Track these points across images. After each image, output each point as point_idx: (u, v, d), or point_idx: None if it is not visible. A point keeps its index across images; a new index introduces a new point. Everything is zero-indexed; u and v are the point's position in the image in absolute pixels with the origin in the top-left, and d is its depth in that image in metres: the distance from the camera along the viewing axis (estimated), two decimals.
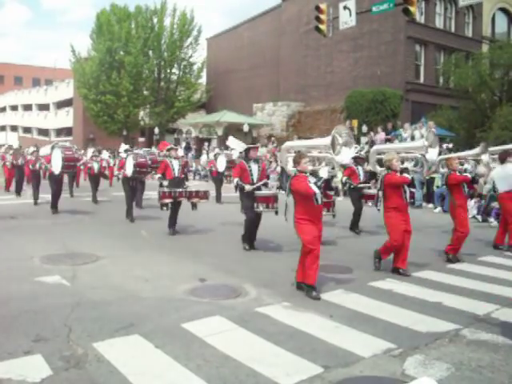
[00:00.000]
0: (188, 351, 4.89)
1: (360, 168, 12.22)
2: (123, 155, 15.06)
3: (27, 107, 67.18)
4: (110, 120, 41.74)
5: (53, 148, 13.82)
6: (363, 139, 25.57)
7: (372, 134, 25.06)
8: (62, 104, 58.77)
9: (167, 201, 10.86)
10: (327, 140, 7.36)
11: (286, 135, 36.60)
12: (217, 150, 25.01)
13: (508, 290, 7.23)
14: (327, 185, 7.84)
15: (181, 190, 11.22)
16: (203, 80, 46.93)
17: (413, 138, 21.63)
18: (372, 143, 22.47)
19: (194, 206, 11.51)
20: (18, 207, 15.66)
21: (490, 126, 25.45)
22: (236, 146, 12.43)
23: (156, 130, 41.01)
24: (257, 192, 9.73)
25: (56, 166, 13.39)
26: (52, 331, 5.31)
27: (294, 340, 5.22)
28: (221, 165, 17.95)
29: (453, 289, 7.23)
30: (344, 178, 12.18)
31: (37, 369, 4.42)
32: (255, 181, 9.82)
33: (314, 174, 7.11)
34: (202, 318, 5.82)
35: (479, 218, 15.04)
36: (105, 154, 22.08)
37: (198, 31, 43.12)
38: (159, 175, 11.60)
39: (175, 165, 11.59)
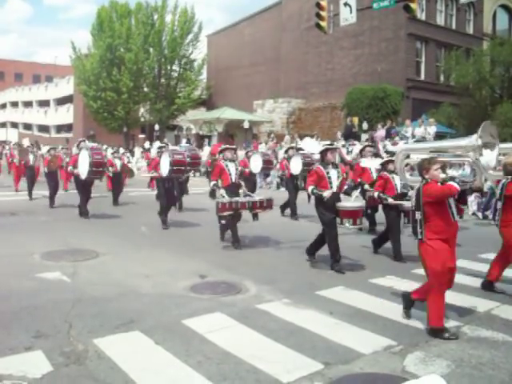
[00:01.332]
0: (188, 347, 4.89)
1: (395, 176, 9.05)
2: (153, 152, 14.12)
3: (27, 104, 67.13)
4: (110, 117, 41.70)
5: (80, 148, 12.63)
6: (363, 136, 25.54)
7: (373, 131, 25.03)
8: (62, 101, 58.71)
9: (227, 213, 9.35)
10: (472, 140, 5.73)
11: (286, 132, 36.59)
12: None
13: (508, 287, 7.22)
14: (462, 196, 6.08)
15: (243, 199, 9.58)
16: (204, 77, 46.89)
17: (414, 136, 21.62)
18: (372, 140, 22.44)
19: (255, 216, 10.23)
20: (19, 203, 15.65)
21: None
22: (311, 147, 11.19)
23: (156, 127, 40.96)
24: (340, 205, 8.18)
25: (83, 170, 12.13)
26: (52, 327, 5.31)
27: (295, 337, 5.22)
28: (256, 166, 14.86)
29: (453, 286, 7.22)
30: (376, 193, 9.28)
31: (37, 365, 4.43)
32: (335, 190, 8.19)
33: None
34: (203, 314, 5.83)
35: (479, 215, 15.03)
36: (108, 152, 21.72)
37: (199, 28, 43.06)
38: (214, 182, 10.07)
39: (231, 168, 9.88)
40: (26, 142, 20.27)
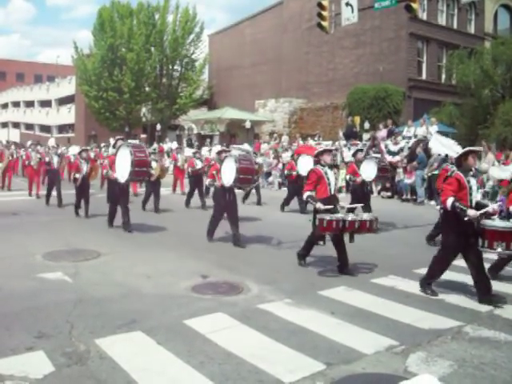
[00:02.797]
0: (190, 348, 4.89)
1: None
2: (206, 155, 12.08)
3: (29, 104, 67.21)
4: (111, 116, 41.70)
5: (119, 147, 10.87)
6: (365, 136, 25.50)
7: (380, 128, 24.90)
8: (63, 101, 58.77)
9: (330, 233, 7.64)
10: None
11: (288, 132, 36.58)
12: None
13: (511, 287, 7.21)
14: None
15: (351, 217, 7.58)
16: (205, 76, 46.86)
17: (416, 136, 21.58)
18: (374, 140, 22.39)
19: (352, 238, 7.82)
20: (20, 204, 15.66)
21: (492, 122, 25.40)
22: (444, 148, 9.36)
23: (158, 127, 40.95)
24: (489, 223, 6.66)
25: (121, 172, 10.45)
26: (54, 328, 5.31)
27: (296, 337, 5.22)
28: (303, 168, 13.19)
29: (455, 286, 7.22)
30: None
31: (39, 365, 4.43)
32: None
33: None
34: (204, 314, 5.82)
35: None
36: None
37: (201, 28, 43.03)
38: (308, 193, 7.84)
39: (331, 177, 7.95)
40: (51, 143, 19.02)
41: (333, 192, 7.91)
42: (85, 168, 13.04)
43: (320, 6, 18.25)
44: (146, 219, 12.72)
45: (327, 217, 7.38)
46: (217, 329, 5.40)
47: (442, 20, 34.34)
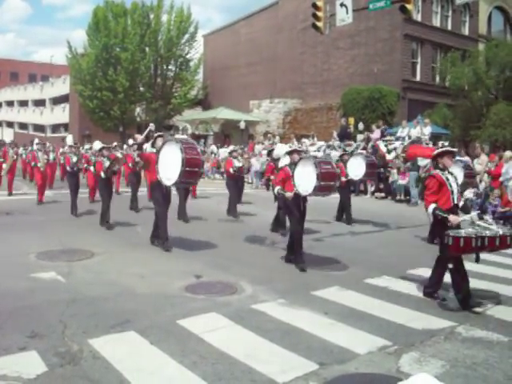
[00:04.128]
0: (184, 348, 4.89)
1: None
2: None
3: (23, 103, 66.98)
4: (106, 116, 41.60)
5: (164, 143, 9.15)
6: (359, 137, 25.55)
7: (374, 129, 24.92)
8: (58, 100, 58.61)
9: (466, 253, 6.40)
10: None
11: (282, 132, 36.61)
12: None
13: (503, 288, 7.25)
14: None
15: (490, 232, 6.32)
16: (200, 77, 46.82)
17: (410, 137, 21.64)
18: (368, 141, 22.46)
19: (478, 258, 6.53)
20: (14, 203, 15.59)
21: (484, 124, 25.52)
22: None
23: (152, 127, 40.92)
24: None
25: (169, 174, 8.80)
26: (47, 327, 5.30)
27: (290, 337, 5.23)
28: (354, 172, 12.55)
29: (448, 286, 7.24)
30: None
31: (32, 365, 4.42)
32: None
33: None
34: (198, 314, 5.82)
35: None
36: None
37: (195, 28, 43.01)
38: (434, 205, 6.47)
39: (453, 184, 6.68)
40: (69, 141, 16.62)
41: (456, 201, 6.65)
42: (106, 165, 11.76)
43: (315, 6, 18.27)
44: (140, 219, 12.70)
45: (462, 233, 6.11)
46: (210, 329, 5.40)
47: (436, 21, 34.45)
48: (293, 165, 8.51)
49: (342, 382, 4.35)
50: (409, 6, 16.28)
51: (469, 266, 8.58)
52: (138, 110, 44.25)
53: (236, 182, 14.05)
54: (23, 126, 64.68)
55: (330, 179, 8.40)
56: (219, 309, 6.02)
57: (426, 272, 8.11)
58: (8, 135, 59.89)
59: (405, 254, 9.37)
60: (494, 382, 4.40)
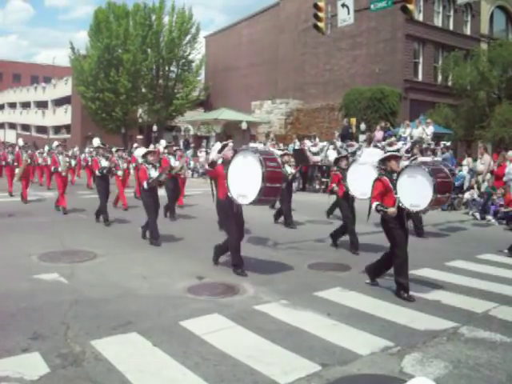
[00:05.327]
0: (186, 349, 4.88)
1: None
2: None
3: (25, 105, 67.20)
4: (108, 117, 41.68)
5: (236, 153, 7.80)
6: (361, 137, 25.54)
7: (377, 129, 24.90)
8: (60, 101, 58.76)
9: None
10: None
11: (284, 133, 36.60)
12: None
13: (506, 288, 7.24)
14: None
15: None
16: (201, 78, 46.90)
17: (412, 137, 21.63)
18: (370, 141, 22.45)
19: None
20: (16, 205, 15.61)
21: (488, 123, 25.50)
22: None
23: (154, 128, 40.96)
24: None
25: (242, 191, 7.48)
26: (50, 329, 5.30)
27: (292, 338, 5.22)
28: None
29: (451, 287, 7.24)
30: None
31: (34, 366, 4.42)
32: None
33: None
34: (200, 315, 5.82)
35: (477, 215, 15.05)
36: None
37: (197, 29, 43.09)
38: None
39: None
40: (96, 142, 15.29)
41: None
42: (152, 173, 9.99)
43: (316, 7, 18.26)
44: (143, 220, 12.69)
45: None
46: (212, 330, 5.39)
47: (438, 21, 34.43)
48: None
49: (345, 383, 4.34)
50: (410, 6, 16.26)
51: (472, 266, 8.59)
52: (139, 111, 44.34)
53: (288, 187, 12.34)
54: (26, 127, 64.82)
55: (446, 190, 7.30)
56: (221, 310, 6.02)
57: (427, 272, 8.13)
58: (10, 137, 60.06)
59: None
60: (497, 383, 4.38)
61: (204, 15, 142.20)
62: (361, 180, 8.95)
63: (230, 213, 7.82)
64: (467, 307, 6.35)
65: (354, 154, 14.34)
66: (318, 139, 25.35)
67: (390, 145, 18.50)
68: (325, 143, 24.09)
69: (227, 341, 5.10)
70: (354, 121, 28.28)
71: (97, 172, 12.55)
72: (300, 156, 20.29)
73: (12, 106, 70.77)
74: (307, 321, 5.72)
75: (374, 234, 10.83)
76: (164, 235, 11.14)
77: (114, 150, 15.32)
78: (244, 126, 34.95)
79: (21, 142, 18.80)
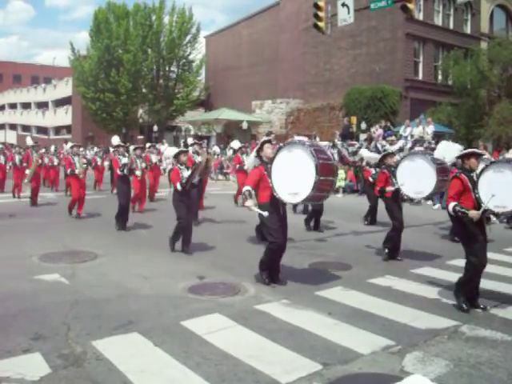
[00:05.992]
0: (187, 349, 4.89)
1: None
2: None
3: (26, 105, 67.29)
4: (108, 118, 41.72)
5: (280, 148, 7.16)
6: (362, 136, 25.54)
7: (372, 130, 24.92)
8: (60, 102, 58.82)
9: None
10: None
11: (284, 132, 36.61)
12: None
13: (507, 287, 7.23)
14: None
15: None
16: (202, 78, 46.92)
17: (412, 136, 21.64)
18: (371, 140, 22.45)
19: None
20: (17, 205, 15.62)
21: (487, 122, 25.50)
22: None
23: (155, 128, 41.01)
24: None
25: (291, 189, 6.86)
26: (51, 329, 5.30)
27: (293, 337, 5.22)
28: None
29: (451, 285, 7.22)
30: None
31: (35, 367, 4.42)
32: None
33: None
34: (201, 315, 5.82)
35: None
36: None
37: (197, 29, 43.14)
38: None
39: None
40: (115, 141, 14.17)
41: None
42: (185, 174, 9.15)
43: (316, 6, 18.27)
44: (143, 220, 12.71)
45: None
46: (214, 330, 5.39)
47: (438, 20, 34.43)
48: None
49: (346, 382, 4.34)
50: (410, 6, 16.28)
51: None
52: (140, 111, 44.39)
53: None
54: (26, 128, 64.90)
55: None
56: (222, 310, 6.02)
57: (428, 271, 8.13)
58: (11, 137, 60.14)
59: (408, 253, 9.34)
60: (498, 382, 4.38)
61: (205, 15, 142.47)
62: (414, 178, 8.32)
63: (275, 217, 7.03)
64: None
65: (354, 153, 14.31)
66: (318, 138, 25.34)
67: (391, 143, 18.48)
68: (326, 143, 24.07)
69: (228, 340, 5.10)
70: (354, 120, 28.31)
71: (118, 171, 11.78)
72: (340, 158, 20.35)
73: (12, 106, 70.85)
74: (308, 320, 5.72)
75: (378, 233, 10.84)
76: (164, 236, 11.14)
77: (132, 148, 14.46)
78: (245, 125, 34.97)
79: (30, 142, 16.90)
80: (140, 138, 46.90)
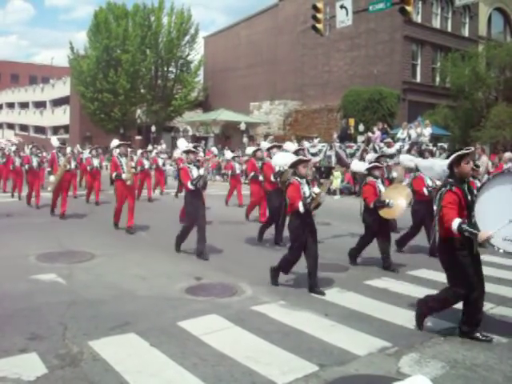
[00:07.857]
0: (184, 350, 4.89)
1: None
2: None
3: (24, 105, 67.20)
4: (106, 118, 41.70)
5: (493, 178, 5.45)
6: (360, 138, 25.57)
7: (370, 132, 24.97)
8: (58, 102, 58.78)
9: None
10: None
11: (282, 134, 36.64)
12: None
13: (503, 289, 7.25)
14: None
15: None
16: (200, 78, 46.97)
17: (409, 138, 21.67)
18: (369, 142, 22.50)
19: None
20: (14, 205, 15.60)
21: (485, 125, 25.56)
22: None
23: (153, 129, 40.99)
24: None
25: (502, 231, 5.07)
26: (47, 329, 5.30)
27: (290, 338, 5.22)
28: None
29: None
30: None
31: (32, 367, 4.42)
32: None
33: None
34: (198, 316, 5.82)
35: None
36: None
37: (196, 30, 43.17)
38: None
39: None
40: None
41: None
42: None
43: (315, 8, 18.31)
44: (140, 220, 12.69)
45: None
46: (210, 331, 5.40)
47: (436, 23, 34.51)
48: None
49: (342, 383, 4.35)
50: (408, 8, 16.32)
51: None
52: (138, 111, 44.38)
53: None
54: (24, 127, 64.84)
55: None
56: (219, 311, 6.02)
57: (425, 273, 8.13)
58: (9, 137, 60.04)
59: (404, 255, 9.36)
60: None
61: (205, 16, 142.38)
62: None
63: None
64: None
65: (352, 155, 14.34)
66: (318, 140, 25.39)
67: (388, 146, 18.50)
68: (324, 144, 24.13)
69: (225, 341, 5.10)
70: (352, 122, 28.32)
71: (189, 185, 9.03)
72: (338, 160, 20.66)
73: (10, 106, 70.75)
74: (305, 321, 5.72)
75: None
76: (162, 237, 11.15)
77: (139, 152, 13.47)
78: (242, 126, 34.99)
79: (56, 142, 13.97)
80: (138, 138, 46.88)
